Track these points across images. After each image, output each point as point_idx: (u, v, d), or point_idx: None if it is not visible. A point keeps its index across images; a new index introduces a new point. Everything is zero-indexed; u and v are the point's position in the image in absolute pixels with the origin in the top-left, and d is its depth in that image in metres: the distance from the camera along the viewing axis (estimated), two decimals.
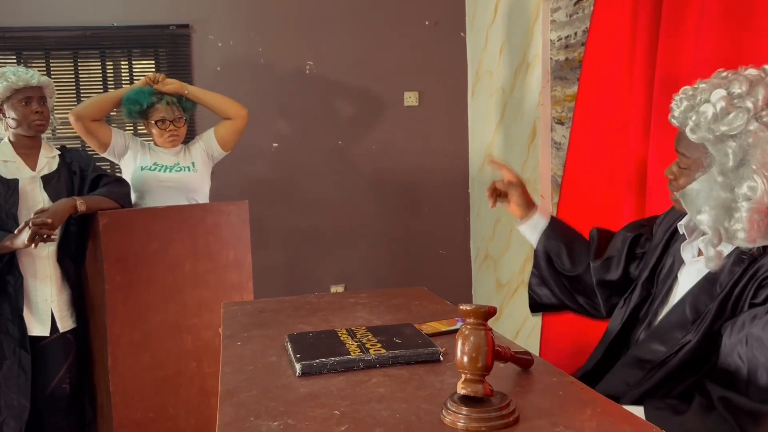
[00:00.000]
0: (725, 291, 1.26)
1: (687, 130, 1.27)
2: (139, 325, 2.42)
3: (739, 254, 1.28)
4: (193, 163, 2.82)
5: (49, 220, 2.19)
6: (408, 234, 4.04)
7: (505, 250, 3.63)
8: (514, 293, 3.52)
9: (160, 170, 2.75)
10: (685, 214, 1.44)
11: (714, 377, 1.23)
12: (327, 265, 3.96)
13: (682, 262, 1.41)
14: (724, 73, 1.28)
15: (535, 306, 1.83)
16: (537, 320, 3.22)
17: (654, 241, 1.53)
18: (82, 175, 2.48)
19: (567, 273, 1.71)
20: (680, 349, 1.27)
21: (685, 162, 1.32)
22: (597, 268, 1.65)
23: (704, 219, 1.26)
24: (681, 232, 1.44)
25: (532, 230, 1.76)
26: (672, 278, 1.42)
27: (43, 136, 2.49)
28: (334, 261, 3.97)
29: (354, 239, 3.98)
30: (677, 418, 1.20)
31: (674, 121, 1.32)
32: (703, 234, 1.35)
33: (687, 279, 1.37)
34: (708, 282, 1.30)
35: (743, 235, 1.22)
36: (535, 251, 1.77)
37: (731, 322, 1.23)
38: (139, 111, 2.72)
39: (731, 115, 1.20)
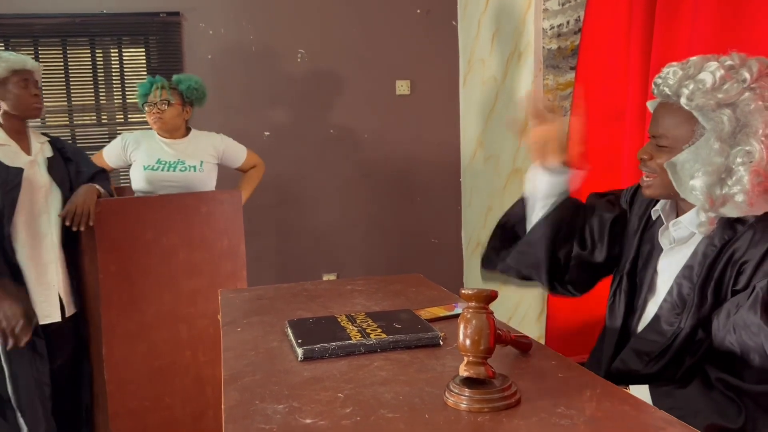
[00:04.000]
0: (702, 276, 1.28)
1: (683, 98, 1.26)
2: (134, 315, 2.42)
3: (710, 239, 1.29)
4: (201, 162, 2.83)
5: (83, 203, 2.30)
6: (400, 222, 4.05)
7: None
8: (505, 280, 3.53)
9: (163, 169, 2.78)
10: (654, 200, 1.44)
11: (711, 360, 1.25)
12: (319, 254, 3.96)
13: (660, 248, 1.41)
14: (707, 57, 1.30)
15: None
16: (529, 306, 3.25)
17: (630, 227, 1.51)
18: (77, 165, 2.46)
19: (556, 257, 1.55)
20: (675, 338, 1.30)
21: (666, 140, 1.31)
22: (581, 254, 1.54)
23: (697, 184, 1.26)
24: (654, 218, 1.44)
25: (549, 186, 1.49)
26: (652, 267, 1.42)
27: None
28: (326, 250, 3.97)
29: (346, 228, 3.98)
30: (681, 391, 1.23)
31: (666, 91, 1.29)
32: (677, 217, 1.36)
33: (667, 267, 1.38)
34: (688, 269, 1.32)
35: (742, 198, 1.22)
36: (538, 222, 1.54)
37: (717, 311, 1.25)
38: (144, 102, 2.85)
39: (727, 84, 1.23)
